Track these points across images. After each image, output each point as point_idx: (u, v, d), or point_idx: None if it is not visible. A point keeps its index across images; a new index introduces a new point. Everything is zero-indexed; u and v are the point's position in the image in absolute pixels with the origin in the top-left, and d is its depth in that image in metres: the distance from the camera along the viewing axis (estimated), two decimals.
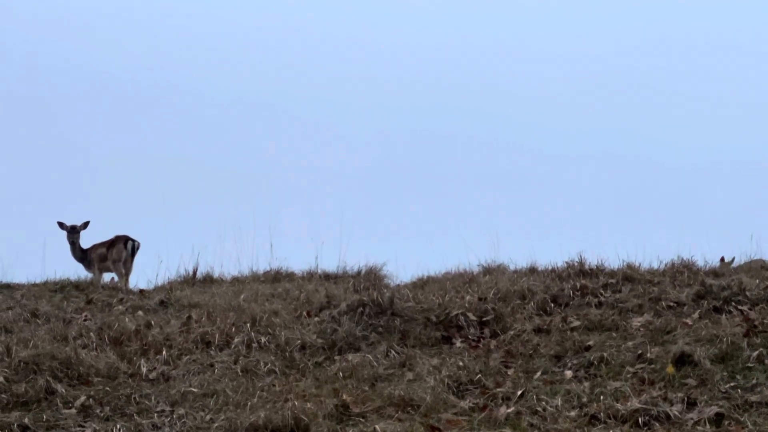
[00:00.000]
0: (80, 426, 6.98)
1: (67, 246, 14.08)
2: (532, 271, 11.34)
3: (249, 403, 7.08)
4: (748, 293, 8.98)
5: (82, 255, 14.12)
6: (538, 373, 7.56)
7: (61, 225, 14.03)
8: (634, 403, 6.43)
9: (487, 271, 11.67)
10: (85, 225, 14.09)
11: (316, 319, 9.29)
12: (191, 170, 25.95)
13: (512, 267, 11.82)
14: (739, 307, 8.75)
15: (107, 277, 13.95)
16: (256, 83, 28.65)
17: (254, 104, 28.09)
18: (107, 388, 7.64)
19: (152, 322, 9.46)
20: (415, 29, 29.45)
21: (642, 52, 27.96)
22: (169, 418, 7.01)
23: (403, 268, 12.91)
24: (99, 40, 29.04)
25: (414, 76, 28.67)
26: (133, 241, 14.00)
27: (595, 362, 7.63)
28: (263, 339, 8.71)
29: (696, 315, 8.66)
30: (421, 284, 11.22)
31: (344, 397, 7.04)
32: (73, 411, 7.22)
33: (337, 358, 8.31)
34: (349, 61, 28.66)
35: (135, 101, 28.13)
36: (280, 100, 27.81)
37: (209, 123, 27.89)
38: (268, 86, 28.57)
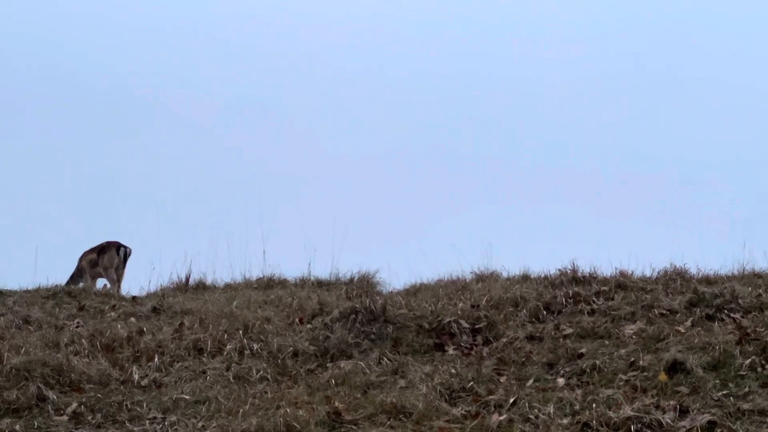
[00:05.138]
0: None
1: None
2: (525, 278, 11.34)
3: (241, 410, 7.07)
4: (740, 301, 8.97)
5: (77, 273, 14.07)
6: (531, 381, 7.54)
7: None
8: (627, 411, 6.41)
9: (480, 278, 11.67)
10: None
11: (309, 326, 9.28)
12: (183, 176, 25.95)
13: (505, 274, 11.82)
14: (732, 314, 8.74)
15: (100, 283, 13.92)
16: (249, 89, 28.68)
17: (247, 109, 28.13)
18: (99, 395, 7.61)
19: (144, 329, 9.45)
20: (413, 36, 29.50)
21: (634, 61, 28.05)
22: (161, 425, 7.00)
23: (395, 275, 12.92)
24: (93, 46, 29.05)
25: (408, 85, 28.72)
26: (125, 247, 13.98)
27: (588, 370, 7.62)
28: (255, 346, 8.70)
29: (688, 323, 8.65)
30: (414, 291, 11.21)
31: (336, 404, 7.02)
32: (65, 418, 7.20)
33: (329, 365, 8.30)
34: (348, 68, 28.71)
35: (126, 107, 28.15)
36: (273, 106, 27.86)
37: (200, 129, 27.91)
38: (262, 92, 28.61)
